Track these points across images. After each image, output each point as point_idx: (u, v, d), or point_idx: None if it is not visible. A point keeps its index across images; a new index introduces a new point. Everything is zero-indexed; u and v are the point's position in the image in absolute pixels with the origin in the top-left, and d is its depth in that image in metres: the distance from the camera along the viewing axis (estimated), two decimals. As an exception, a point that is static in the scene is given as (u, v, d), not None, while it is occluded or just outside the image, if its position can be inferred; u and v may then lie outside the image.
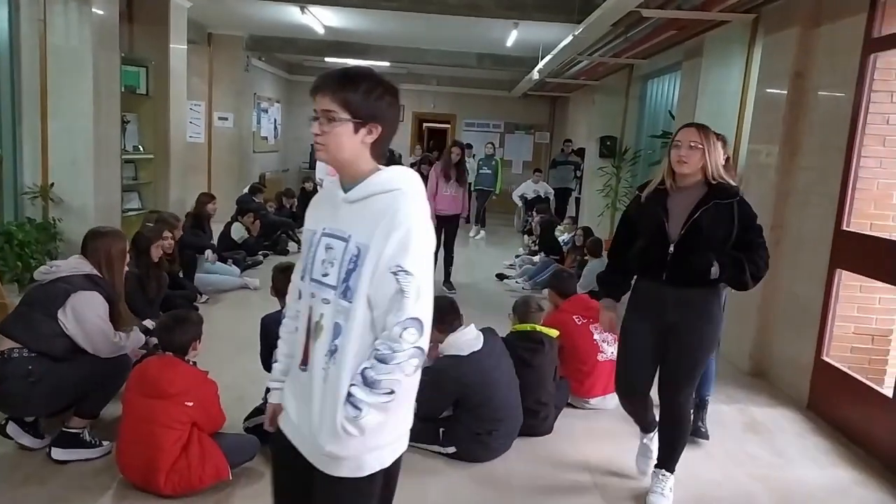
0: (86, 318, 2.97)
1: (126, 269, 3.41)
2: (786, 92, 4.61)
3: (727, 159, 3.02)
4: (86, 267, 3.09)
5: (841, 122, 4.10)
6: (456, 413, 3.29)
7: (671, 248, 2.69)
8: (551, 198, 11.28)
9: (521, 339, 3.66)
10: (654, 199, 2.77)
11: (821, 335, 4.18)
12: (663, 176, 2.77)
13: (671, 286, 2.73)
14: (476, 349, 3.28)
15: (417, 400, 3.50)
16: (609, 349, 3.98)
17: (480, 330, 3.41)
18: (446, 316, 3.35)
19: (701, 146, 2.70)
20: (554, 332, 3.77)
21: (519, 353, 3.57)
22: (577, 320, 4.07)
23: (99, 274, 3.10)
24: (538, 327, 3.71)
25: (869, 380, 3.84)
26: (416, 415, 3.42)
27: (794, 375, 4.42)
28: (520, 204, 11.48)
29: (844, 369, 3.99)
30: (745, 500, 3.13)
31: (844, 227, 4.06)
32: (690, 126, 2.80)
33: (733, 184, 2.71)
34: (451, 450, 3.26)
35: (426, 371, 3.39)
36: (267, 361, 3.25)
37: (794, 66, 4.55)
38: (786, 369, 4.55)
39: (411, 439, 3.34)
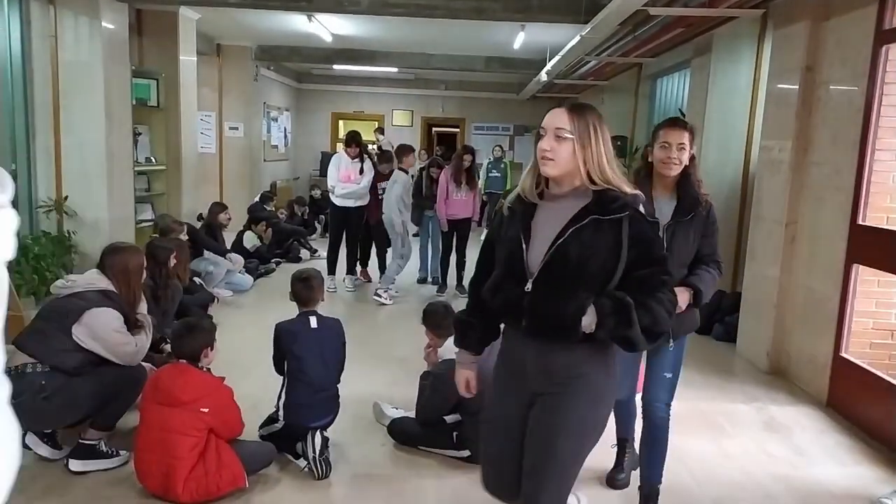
0: (102, 335, 3.00)
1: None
2: (797, 87, 4.57)
3: (692, 158, 2.61)
4: (102, 282, 3.11)
5: (854, 116, 4.06)
6: (462, 417, 3.28)
7: (528, 286, 1.81)
8: None
9: None
10: (519, 212, 1.90)
11: (839, 331, 4.12)
12: (533, 180, 1.90)
13: (532, 340, 1.86)
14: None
15: (419, 404, 3.48)
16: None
17: None
18: (442, 321, 3.35)
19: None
20: None
21: None
22: None
23: (114, 289, 3.12)
24: None
25: (889, 375, 3.78)
26: (417, 419, 3.43)
27: (812, 373, 4.37)
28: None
29: (864, 365, 3.94)
30: (765, 499, 3.09)
31: (860, 222, 4.01)
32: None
33: (627, 191, 1.83)
34: (466, 453, 3.24)
35: (426, 376, 3.40)
36: (279, 367, 3.26)
37: (804, 60, 4.51)
38: (804, 367, 4.50)
39: (426, 445, 3.35)
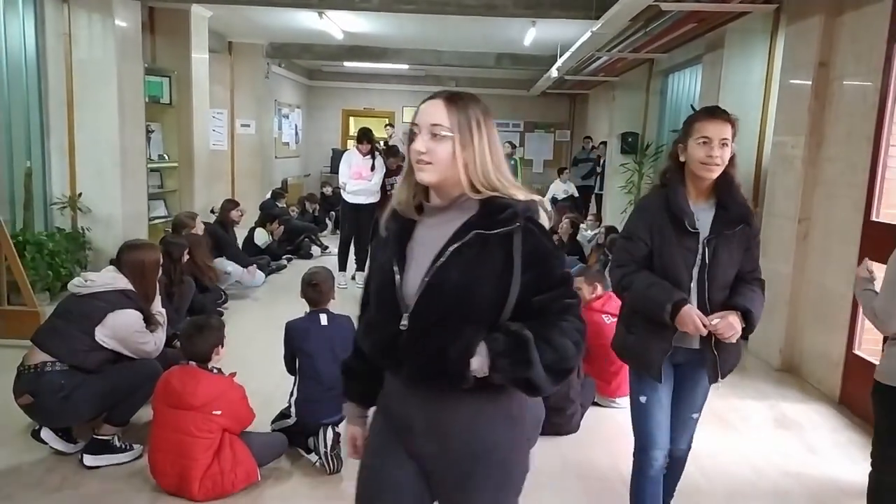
0: (124, 336, 3.05)
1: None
2: (810, 82, 4.53)
3: (732, 156, 2.17)
4: (120, 282, 3.13)
5: (868, 111, 4.02)
6: None
7: (403, 323, 1.44)
8: (577, 195, 11.19)
9: None
10: (394, 232, 1.53)
11: (852, 328, 4.10)
12: (409, 191, 1.53)
13: (415, 390, 1.50)
14: None
15: None
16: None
17: None
18: None
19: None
20: None
21: None
22: (606, 319, 4.01)
23: (132, 287, 3.15)
24: None
25: (903, 373, 3.75)
26: None
27: (825, 370, 4.34)
28: (549, 207, 11.21)
29: (877, 363, 3.90)
30: (777, 497, 3.08)
31: (874, 218, 3.97)
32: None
33: (521, 198, 1.46)
34: None
35: None
36: (290, 366, 3.28)
37: (817, 55, 4.47)
38: (817, 364, 4.47)
39: None
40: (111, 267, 3.23)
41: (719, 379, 2.28)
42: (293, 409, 3.20)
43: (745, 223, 2.22)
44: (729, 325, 2.13)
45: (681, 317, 2.11)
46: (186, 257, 4.68)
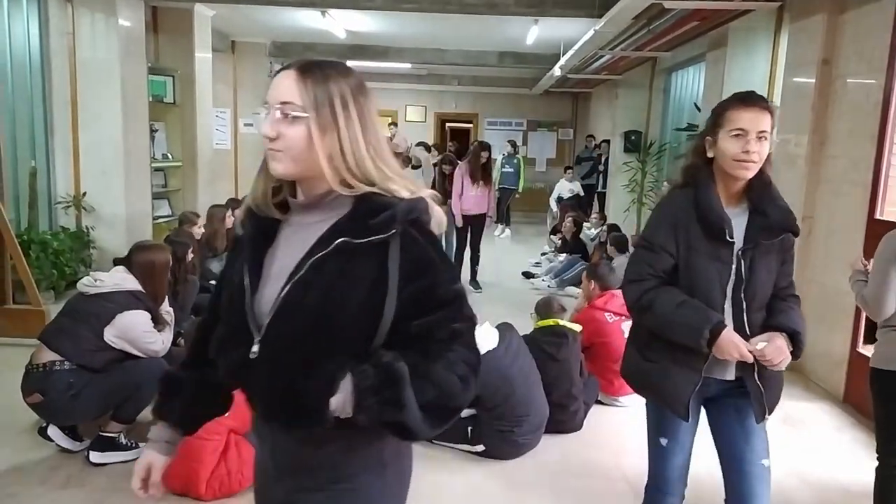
0: (132, 336, 3.07)
1: None
2: (813, 80, 4.53)
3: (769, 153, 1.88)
4: (129, 282, 3.15)
5: (871, 109, 4.02)
6: (478, 412, 3.30)
7: (254, 349, 1.19)
8: (582, 195, 11.18)
9: (545, 334, 3.65)
10: (249, 235, 1.28)
11: (856, 326, 4.09)
12: (266, 184, 1.29)
13: (269, 427, 1.30)
14: (491, 348, 3.26)
15: None
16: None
17: (497, 326, 3.40)
18: None
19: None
20: (577, 327, 3.75)
21: (543, 348, 3.57)
22: (608, 318, 4.02)
23: (141, 288, 3.18)
24: (560, 322, 3.70)
25: (907, 371, 3.75)
26: None
27: (829, 368, 4.34)
28: (555, 208, 10.95)
29: (881, 361, 3.90)
30: (781, 496, 3.08)
31: (877, 216, 3.97)
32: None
33: (403, 195, 1.18)
34: (480, 448, 3.26)
35: None
36: None
37: (821, 53, 4.46)
38: (820, 362, 4.47)
39: (440, 439, 3.37)
40: (120, 267, 3.25)
41: (766, 415, 1.99)
42: None
43: (788, 231, 1.91)
44: (778, 349, 1.84)
45: (721, 343, 1.79)
46: (191, 256, 4.70)
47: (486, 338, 3.30)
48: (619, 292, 4.15)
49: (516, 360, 3.34)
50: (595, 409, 3.81)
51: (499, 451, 3.25)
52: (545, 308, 3.78)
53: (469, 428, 3.28)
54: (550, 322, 3.69)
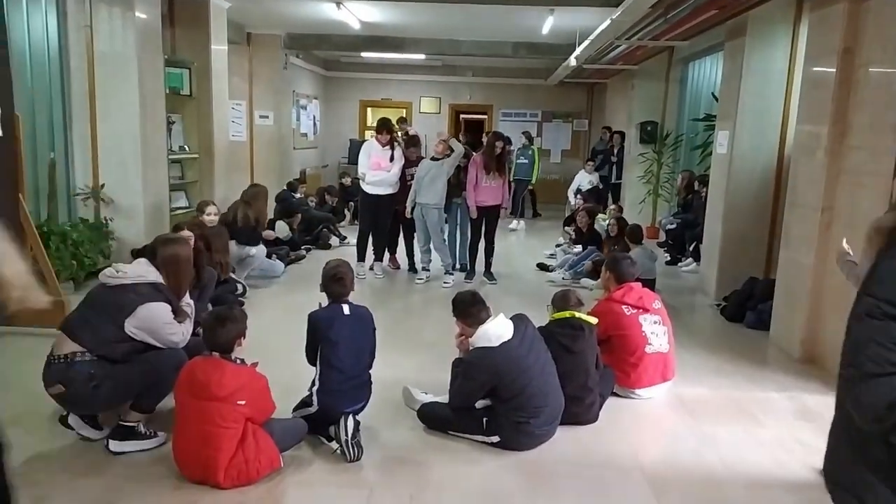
0: (154, 328, 3.09)
1: None
2: (834, 69, 4.46)
3: None
4: (151, 274, 3.17)
5: (893, 99, 3.95)
6: (494, 403, 3.30)
7: None
8: (601, 186, 11.09)
9: (561, 326, 3.64)
10: None
11: (876, 319, 4.04)
12: None
13: None
14: (506, 339, 3.26)
15: (451, 390, 3.49)
16: (657, 341, 3.93)
17: (511, 318, 3.40)
18: (470, 309, 3.35)
19: None
20: (593, 320, 3.73)
21: (559, 340, 3.55)
22: (626, 310, 3.98)
23: (163, 280, 3.20)
24: (577, 314, 3.68)
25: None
26: (449, 405, 3.45)
27: (847, 361, 4.29)
28: (573, 201, 10.69)
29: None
30: (798, 488, 3.06)
31: (899, 208, 3.91)
32: None
33: None
34: (495, 439, 3.26)
35: (458, 363, 3.42)
36: (311, 356, 3.32)
37: (842, 42, 4.39)
38: (838, 355, 4.40)
39: (455, 429, 3.38)
40: (143, 259, 3.26)
41: None
42: (315, 398, 3.23)
43: None
44: None
45: None
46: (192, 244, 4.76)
47: (500, 329, 3.29)
48: (636, 285, 4.14)
49: (531, 350, 3.33)
50: (611, 401, 3.80)
51: (514, 443, 3.25)
52: (562, 301, 3.76)
53: (485, 419, 3.28)
54: (566, 314, 3.67)
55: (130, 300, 3.06)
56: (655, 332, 3.95)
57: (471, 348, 3.33)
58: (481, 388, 3.26)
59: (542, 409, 3.26)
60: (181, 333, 3.21)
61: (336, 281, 3.36)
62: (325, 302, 3.41)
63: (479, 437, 3.30)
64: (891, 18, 4.03)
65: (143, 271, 3.18)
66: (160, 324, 3.11)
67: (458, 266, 7.16)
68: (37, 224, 5.10)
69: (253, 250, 6.28)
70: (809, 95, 4.84)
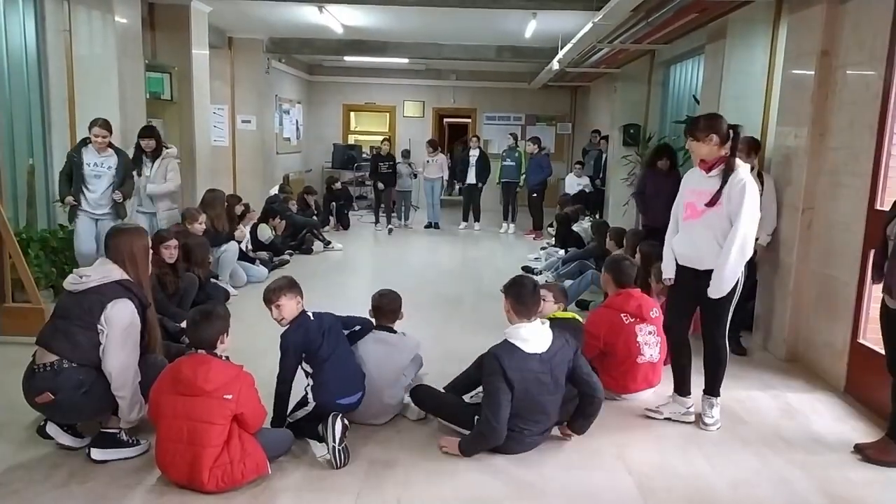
0: (111, 334, 2.96)
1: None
2: (813, 71, 4.51)
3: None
4: (115, 272, 3.07)
5: (871, 100, 4.01)
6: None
7: None
8: (589, 190, 11.10)
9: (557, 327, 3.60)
10: None
11: (856, 317, 4.09)
12: None
13: None
14: (540, 351, 3.12)
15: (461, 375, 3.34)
16: (649, 351, 3.90)
17: (553, 328, 3.24)
18: (528, 299, 3.17)
19: None
20: (570, 314, 3.75)
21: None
22: (624, 319, 3.90)
23: (127, 276, 3.09)
24: (558, 314, 3.68)
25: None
26: (453, 385, 3.36)
27: (829, 359, 4.34)
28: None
29: (881, 351, 3.90)
30: (783, 485, 3.09)
31: (878, 207, 3.96)
32: None
33: None
34: None
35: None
36: (290, 374, 3.28)
37: (820, 44, 4.45)
38: (821, 353, 4.47)
39: (446, 418, 3.32)
40: (101, 258, 3.19)
41: None
42: (310, 395, 3.22)
43: None
44: None
45: None
46: (175, 251, 4.74)
47: (538, 339, 3.14)
48: (636, 291, 4.05)
49: (552, 369, 3.16)
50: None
51: (503, 446, 3.22)
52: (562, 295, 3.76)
53: (476, 417, 3.22)
54: (569, 315, 3.65)
55: (97, 301, 2.97)
56: (648, 343, 3.91)
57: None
58: (504, 390, 3.05)
59: (541, 422, 3.23)
60: (121, 364, 2.97)
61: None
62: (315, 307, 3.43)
63: (466, 432, 3.26)
64: (868, 21, 4.09)
65: (105, 271, 3.07)
66: (117, 331, 2.97)
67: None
68: (15, 231, 5.03)
69: (223, 246, 6.30)
70: (789, 97, 4.90)
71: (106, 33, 5.94)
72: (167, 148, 5.98)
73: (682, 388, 3.69)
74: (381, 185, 10.76)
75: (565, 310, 4.12)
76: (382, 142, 11.16)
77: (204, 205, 6.47)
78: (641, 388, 3.94)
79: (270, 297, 3.29)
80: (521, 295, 3.19)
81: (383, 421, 3.53)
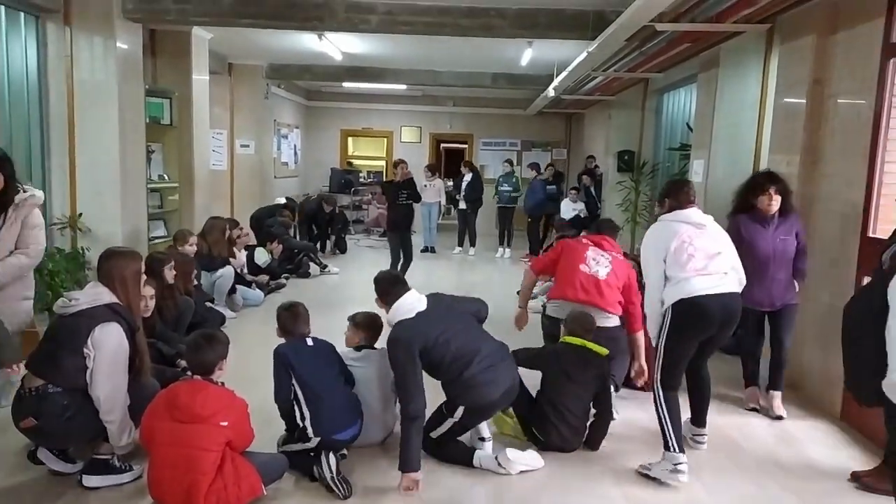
0: (98, 358, 2.93)
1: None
2: (804, 100, 4.58)
3: None
4: (104, 295, 3.04)
5: (862, 128, 4.07)
6: (436, 373, 3.28)
7: None
8: (584, 215, 11.15)
9: (569, 351, 3.69)
10: None
11: (851, 344, 4.09)
12: None
13: None
14: (421, 309, 3.28)
15: (395, 381, 3.36)
16: (595, 266, 4.13)
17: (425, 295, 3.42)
18: (390, 288, 3.37)
19: None
20: (604, 350, 3.72)
21: (563, 365, 3.62)
22: (583, 239, 4.42)
23: (118, 300, 3.06)
24: (588, 344, 3.70)
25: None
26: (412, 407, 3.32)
27: (825, 386, 4.34)
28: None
29: (877, 378, 3.91)
30: (779, 513, 3.07)
31: (871, 234, 4.00)
32: None
33: None
34: (459, 411, 3.26)
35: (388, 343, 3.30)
36: (285, 395, 3.27)
37: (811, 73, 4.53)
38: (816, 380, 4.47)
39: (430, 430, 3.31)
40: (93, 282, 3.18)
41: None
42: (310, 431, 3.16)
43: None
44: None
45: None
46: (172, 272, 4.72)
47: (414, 302, 3.31)
48: (607, 239, 4.43)
49: (449, 314, 3.38)
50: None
51: (467, 399, 3.25)
52: (575, 324, 3.79)
53: (443, 404, 3.34)
54: (578, 342, 3.69)
55: (85, 325, 2.94)
56: (597, 261, 4.17)
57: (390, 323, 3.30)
58: (415, 362, 3.13)
59: (477, 355, 3.25)
60: (108, 390, 2.95)
61: (286, 310, 3.46)
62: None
63: (449, 422, 3.29)
64: (857, 50, 4.17)
65: (95, 294, 3.05)
66: (105, 355, 2.93)
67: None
68: (12, 254, 5.01)
69: (219, 271, 6.32)
70: (781, 125, 4.96)
71: (107, 59, 5.99)
72: (24, 192, 3.55)
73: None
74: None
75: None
76: (396, 165, 8.26)
77: (203, 231, 6.49)
78: (580, 300, 4.01)
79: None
80: (385, 287, 3.41)
81: (381, 439, 3.54)
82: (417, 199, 8.16)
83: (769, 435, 3.95)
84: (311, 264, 8.80)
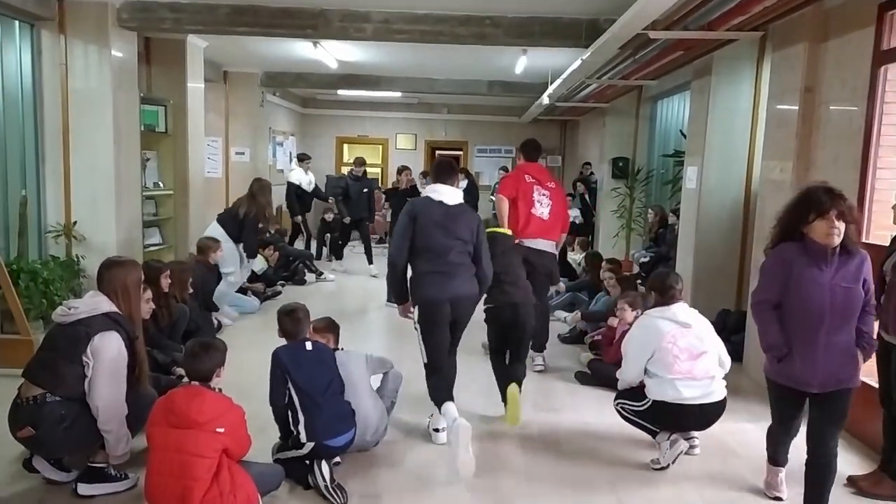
0: (98, 368, 2.94)
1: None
2: (797, 107, 4.62)
3: None
4: (104, 304, 3.05)
5: (854, 135, 4.10)
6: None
7: None
8: (580, 222, 11.18)
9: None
10: None
11: (845, 350, 4.10)
12: None
13: None
14: (439, 200, 3.75)
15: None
16: (541, 209, 5.15)
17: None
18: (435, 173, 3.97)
19: None
20: (507, 231, 4.72)
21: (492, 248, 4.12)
22: (526, 178, 5.22)
23: (117, 309, 3.07)
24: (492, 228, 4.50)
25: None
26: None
27: (819, 391, 4.33)
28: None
29: (872, 383, 3.92)
30: (775, 519, 3.07)
31: (863, 240, 4.02)
32: None
33: None
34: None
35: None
36: (280, 397, 3.27)
37: (803, 81, 4.56)
38: (811, 385, 4.46)
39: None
40: (93, 290, 3.17)
41: None
42: (304, 437, 3.15)
43: None
44: None
45: None
46: (168, 281, 4.72)
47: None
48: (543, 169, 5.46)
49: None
50: (582, 429, 3.81)
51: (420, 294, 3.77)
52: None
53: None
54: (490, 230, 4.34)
55: (84, 333, 2.94)
56: (541, 202, 5.15)
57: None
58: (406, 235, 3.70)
59: (440, 258, 3.67)
60: (106, 398, 2.95)
61: (287, 314, 3.43)
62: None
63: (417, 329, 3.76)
64: (848, 58, 4.21)
65: (94, 303, 3.05)
66: (105, 363, 2.94)
67: None
68: (6, 262, 5.01)
69: (231, 278, 6.43)
70: (774, 132, 5.00)
71: (102, 67, 6.00)
72: None
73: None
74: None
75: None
76: (400, 172, 8.41)
77: (253, 191, 6.81)
78: (536, 237, 5.09)
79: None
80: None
81: (372, 441, 3.54)
82: None
83: (763, 441, 3.95)
84: (307, 272, 8.79)
